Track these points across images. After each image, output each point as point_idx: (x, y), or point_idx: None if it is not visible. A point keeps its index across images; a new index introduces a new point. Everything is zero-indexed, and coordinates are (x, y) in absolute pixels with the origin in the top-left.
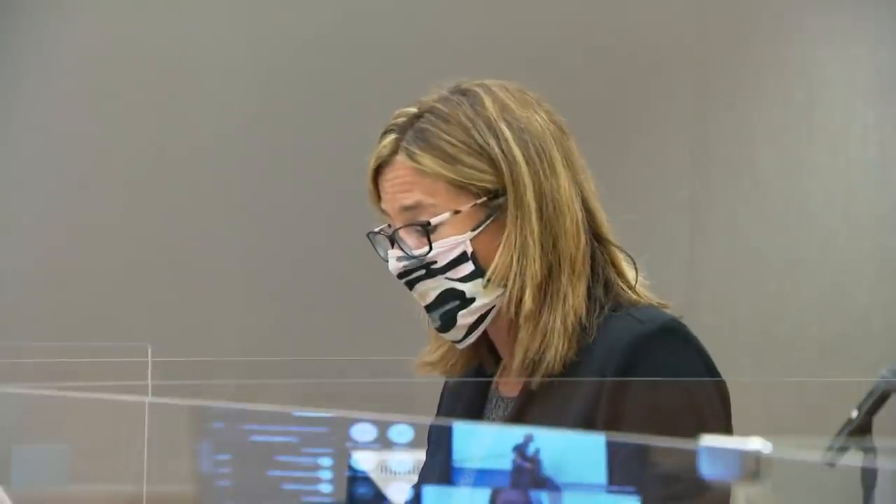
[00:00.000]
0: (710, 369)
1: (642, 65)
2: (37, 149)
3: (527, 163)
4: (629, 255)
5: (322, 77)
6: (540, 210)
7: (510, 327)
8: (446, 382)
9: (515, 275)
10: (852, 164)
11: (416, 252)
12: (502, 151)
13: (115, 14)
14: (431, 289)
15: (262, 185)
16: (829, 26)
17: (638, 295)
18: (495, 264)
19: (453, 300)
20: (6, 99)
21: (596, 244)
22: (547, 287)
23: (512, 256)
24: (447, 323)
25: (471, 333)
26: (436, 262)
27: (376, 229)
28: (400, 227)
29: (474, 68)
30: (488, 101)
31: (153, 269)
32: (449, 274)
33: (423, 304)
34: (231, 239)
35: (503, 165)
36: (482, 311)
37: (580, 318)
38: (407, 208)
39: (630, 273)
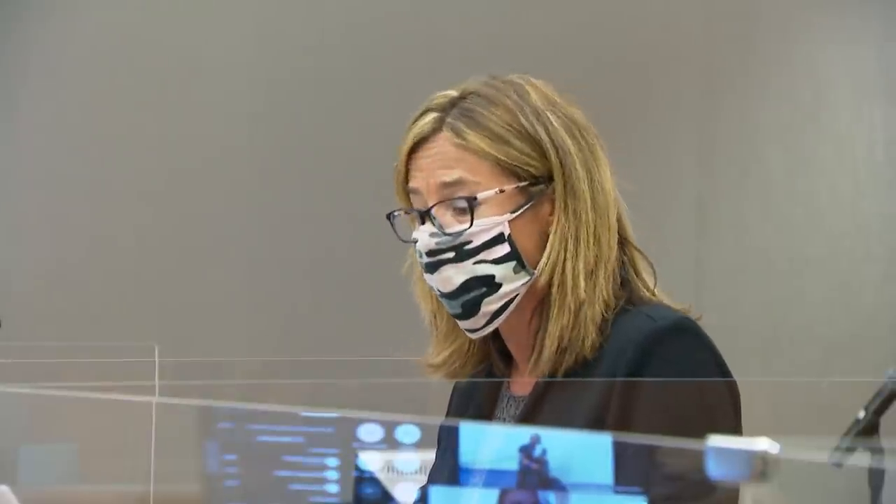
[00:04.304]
0: (722, 368)
1: (649, 64)
2: (45, 149)
3: (578, 151)
4: (649, 262)
5: (329, 81)
6: (593, 199)
7: (530, 325)
8: (456, 383)
9: (570, 261)
10: (859, 163)
11: (453, 229)
12: (551, 139)
13: (122, 17)
14: (456, 275)
15: (271, 186)
16: (837, 26)
17: (653, 295)
18: (548, 251)
19: (479, 287)
20: (14, 99)
21: (620, 243)
22: (590, 277)
23: (567, 242)
24: (469, 310)
25: (492, 322)
26: (470, 241)
27: (396, 211)
28: (436, 204)
29: (483, 69)
30: (533, 92)
31: (160, 269)
32: (482, 255)
33: (444, 291)
34: (239, 239)
35: (551, 153)
36: (508, 298)
37: (606, 312)
38: (447, 185)
39: (649, 279)
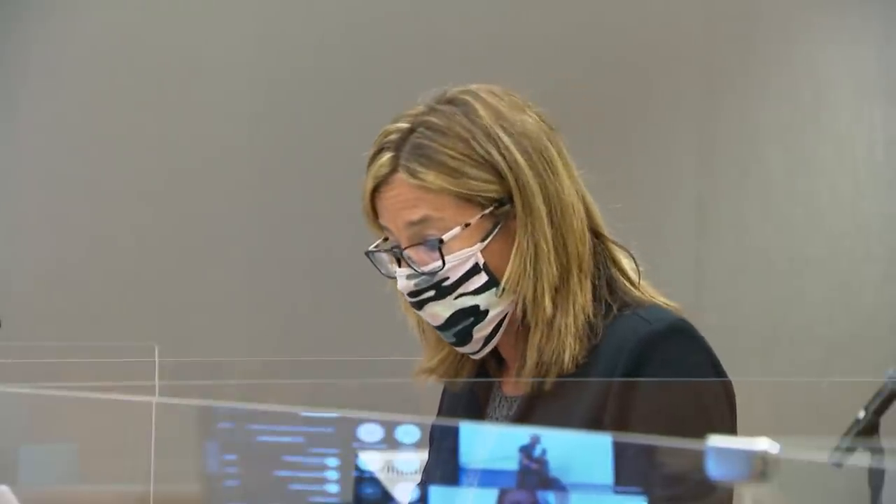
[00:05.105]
0: (717, 369)
1: (650, 64)
2: (45, 149)
3: (530, 167)
4: (624, 248)
5: (329, 81)
6: (550, 213)
7: (518, 332)
8: (446, 383)
9: (531, 280)
10: (859, 163)
11: (427, 268)
12: (504, 159)
13: (122, 17)
14: (442, 310)
15: (271, 186)
16: (837, 26)
17: (642, 292)
18: (509, 272)
19: (467, 318)
20: (14, 99)
21: (594, 240)
22: (560, 289)
23: (526, 263)
24: (463, 339)
25: (487, 344)
26: (448, 277)
27: (373, 247)
28: (408, 246)
29: (483, 70)
30: (481, 109)
31: (161, 270)
32: (461, 289)
33: (435, 325)
34: (239, 239)
35: (507, 173)
36: (496, 322)
37: (588, 318)
38: (413, 223)
39: (629, 266)
